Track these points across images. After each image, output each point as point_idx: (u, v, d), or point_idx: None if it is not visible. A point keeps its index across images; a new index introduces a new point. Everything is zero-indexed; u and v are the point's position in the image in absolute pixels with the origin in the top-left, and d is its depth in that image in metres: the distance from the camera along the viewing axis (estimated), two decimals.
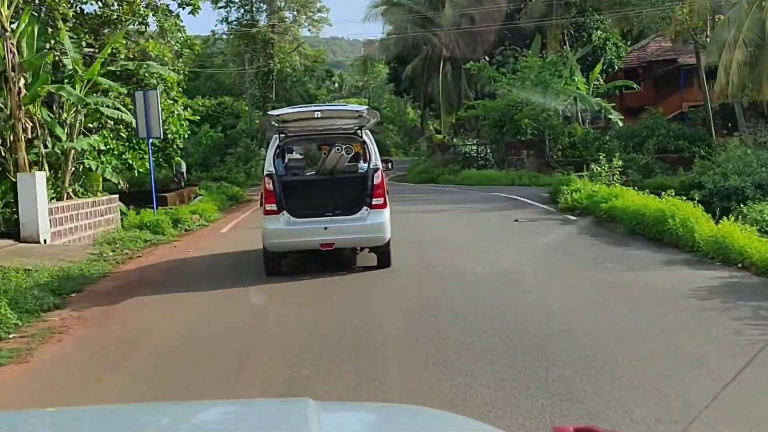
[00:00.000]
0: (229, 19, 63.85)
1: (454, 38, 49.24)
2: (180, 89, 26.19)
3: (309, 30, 71.19)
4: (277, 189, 11.84)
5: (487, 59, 42.64)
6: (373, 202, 11.86)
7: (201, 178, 39.01)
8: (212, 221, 21.50)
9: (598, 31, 45.65)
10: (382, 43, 53.00)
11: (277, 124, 12.45)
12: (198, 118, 31.56)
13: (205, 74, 70.01)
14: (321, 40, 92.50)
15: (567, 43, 43.98)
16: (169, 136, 25.00)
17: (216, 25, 53.96)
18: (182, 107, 25.20)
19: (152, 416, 2.57)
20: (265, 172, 12.15)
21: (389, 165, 15.06)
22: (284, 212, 11.77)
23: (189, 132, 26.80)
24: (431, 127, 54.74)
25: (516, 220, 18.05)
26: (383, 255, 12.25)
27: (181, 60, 25.96)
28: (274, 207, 11.79)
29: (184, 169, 35.75)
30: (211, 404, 3.53)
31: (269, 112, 13.91)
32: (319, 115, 12.28)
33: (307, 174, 13.53)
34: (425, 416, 2.62)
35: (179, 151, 41.98)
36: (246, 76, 46.80)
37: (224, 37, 61.21)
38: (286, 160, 13.29)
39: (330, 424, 2.26)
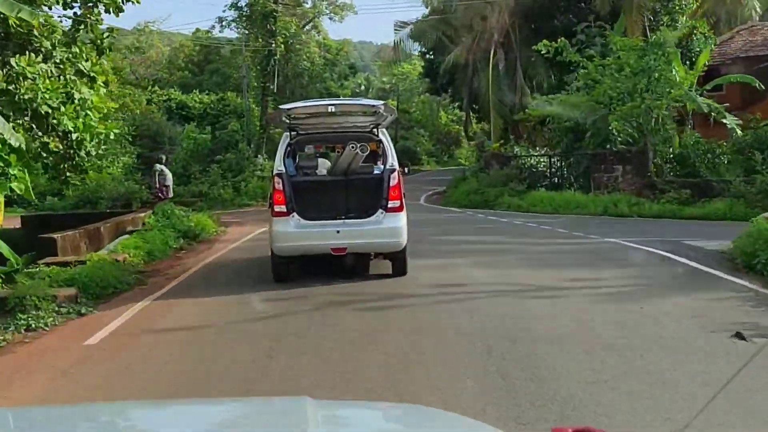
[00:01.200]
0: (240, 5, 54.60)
1: (510, 17, 39.05)
2: (99, 60, 16.08)
3: (330, 18, 61.39)
4: (287, 189, 11.24)
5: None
6: (389, 205, 11.29)
7: (175, 195, 29.14)
8: (107, 296, 11.36)
9: (684, 18, 35.52)
10: (417, 27, 42.66)
11: (288, 120, 11.73)
12: (115, 106, 21.28)
13: (210, 68, 60.46)
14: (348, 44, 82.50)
15: (647, 31, 33.89)
16: (75, 136, 14.93)
17: (224, 11, 44.74)
18: (91, 90, 15.04)
19: (152, 414, 2.59)
20: (275, 171, 11.60)
21: (406, 170, 13.98)
22: (294, 214, 11.21)
23: (116, 131, 16.59)
24: (469, 133, 44.54)
25: (737, 336, 7.82)
26: (399, 262, 11.61)
27: (99, 9, 15.75)
28: (283, 208, 11.21)
29: (170, 181, 26.31)
30: (210, 402, 3.67)
31: (280, 107, 12.45)
32: (333, 110, 11.75)
33: (319, 174, 12.73)
34: (423, 414, 2.65)
35: (163, 160, 32.28)
36: (241, 59, 36.43)
37: (233, 24, 51.48)
38: (297, 159, 12.64)
39: (329, 421, 2.28)
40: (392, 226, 11.26)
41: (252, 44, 32.91)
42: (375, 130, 12.18)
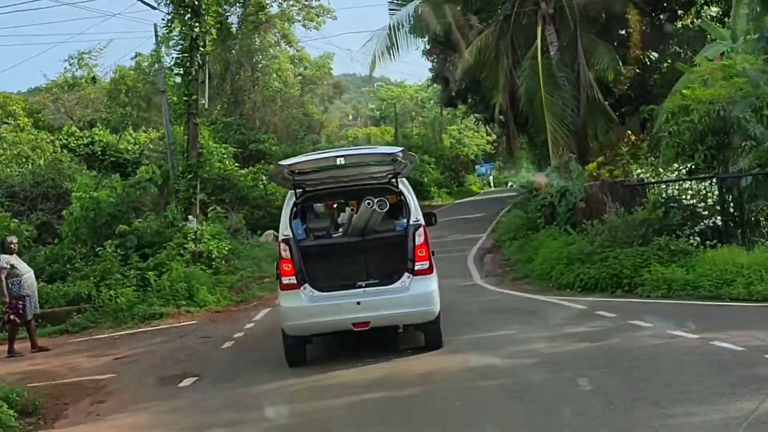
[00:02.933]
0: None
1: None
2: None
3: (304, 25, 48.85)
4: (295, 257, 10.01)
5: None
6: (417, 267, 9.92)
7: (43, 301, 16.10)
8: None
9: None
10: (421, 11, 29.57)
11: (291, 177, 10.48)
12: None
13: (159, 101, 47.57)
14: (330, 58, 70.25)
15: None
16: None
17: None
18: None
19: None
20: (281, 237, 10.34)
21: (432, 219, 11.63)
22: (306, 285, 9.96)
23: None
24: (515, 151, 31.42)
25: None
26: (432, 334, 10.23)
27: None
28: (292, 280, 9.96)
29: (30, 286, 13.54)
30: None
31: (280, 163, 10.91)
32: (343, 162, 10.08)
33: (333, 236, 11.15)
34: None
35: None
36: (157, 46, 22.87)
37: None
38: (306, 221, 11.28)
39: None
40: (421, 293, 9.88)
41: (165, 33, 19.91)
42: (394, 180, 10.70)
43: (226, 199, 33.25)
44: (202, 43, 19.01)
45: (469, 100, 35.81)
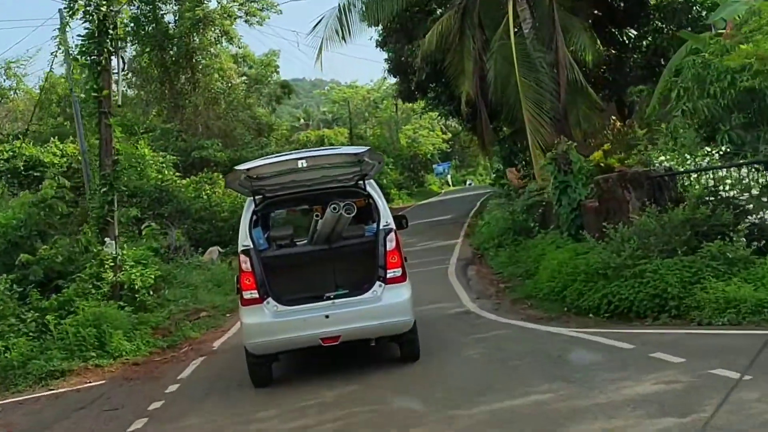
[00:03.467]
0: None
1: None
2: None
3: (247, 21, 45.14)
4: (257, 269, 9.33)
5: None
6: (389, 275, 9.28)
7: None
8: None
9: None
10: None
11: (249, 182, 9.80)
12: None
13: None
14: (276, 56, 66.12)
15: None
16: None
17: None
18: None
19: None
20: (240, 248, 9.60)
21: (403, 222, 10.97)
22: (269, 300, 9.28)
23: None
24: (488, 146, 28.28)
25: None
26: (408, 344, 9.64)
27: None
28: (254, 294, 9.26)
29: None
30: None
31: (236, 168, 9.76)
32: (305, 165, 9.43)
33: (298, 245, 10.44)
34: None
35: None
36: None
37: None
38: (268, 229, 10.70)
39: None
40: (395, 302, 9.25)
41: (68, 15, 16.30)
42: (361, 182, 10.08)
43: (165, 213, 29.73)
44: (112, 25, 15.40)
45: (430, 92, 32.55)
